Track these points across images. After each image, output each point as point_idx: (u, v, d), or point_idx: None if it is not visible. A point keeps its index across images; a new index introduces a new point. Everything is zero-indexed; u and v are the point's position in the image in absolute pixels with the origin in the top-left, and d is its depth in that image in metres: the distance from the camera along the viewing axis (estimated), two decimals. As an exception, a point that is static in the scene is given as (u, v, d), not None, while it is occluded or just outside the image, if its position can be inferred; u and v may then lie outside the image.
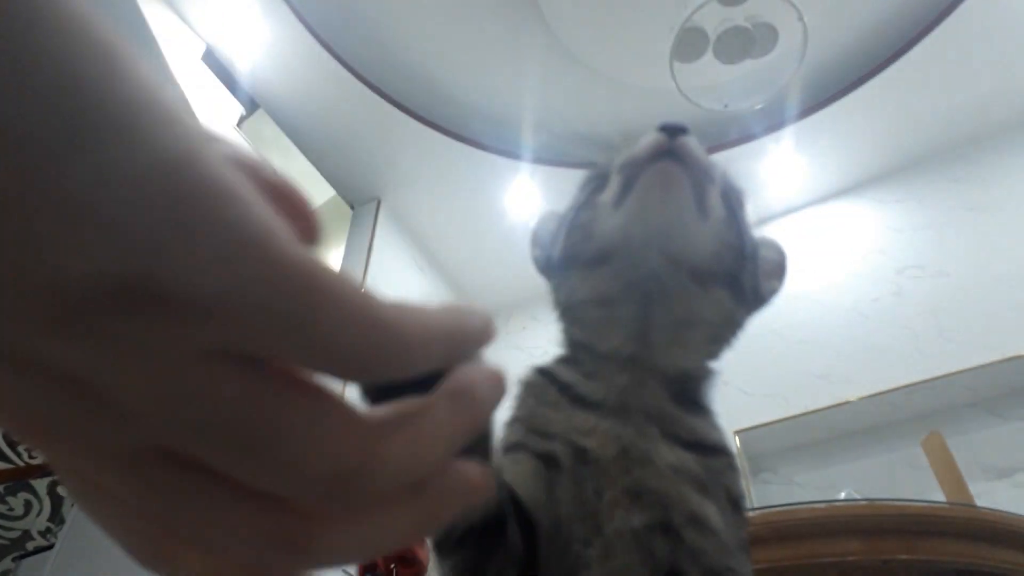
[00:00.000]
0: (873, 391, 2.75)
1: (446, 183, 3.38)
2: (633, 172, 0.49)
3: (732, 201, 0.53)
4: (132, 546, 0.20)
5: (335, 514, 0.18)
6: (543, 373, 0.53)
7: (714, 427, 0.50)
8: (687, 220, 0.48)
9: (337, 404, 0.17)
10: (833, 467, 2.81)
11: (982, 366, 2.62)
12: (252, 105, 3.19)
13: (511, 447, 0.48)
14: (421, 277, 3.59)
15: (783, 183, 3.40)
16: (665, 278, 0.49)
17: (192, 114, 0.18)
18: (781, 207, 3.48)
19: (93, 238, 0.14)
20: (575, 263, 0.53)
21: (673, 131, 0.50)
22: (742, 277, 0.51)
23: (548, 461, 0.45)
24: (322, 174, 3.39)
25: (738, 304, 0.52)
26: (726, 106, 2.77)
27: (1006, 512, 1.24)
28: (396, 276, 3.37)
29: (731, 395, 2.93)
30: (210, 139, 0.17)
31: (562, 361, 0.54)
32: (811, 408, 2.82)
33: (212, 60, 2.96)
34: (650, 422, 0.46)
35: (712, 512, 0.43)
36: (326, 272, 0.17)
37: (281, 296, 0.16)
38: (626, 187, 0.49)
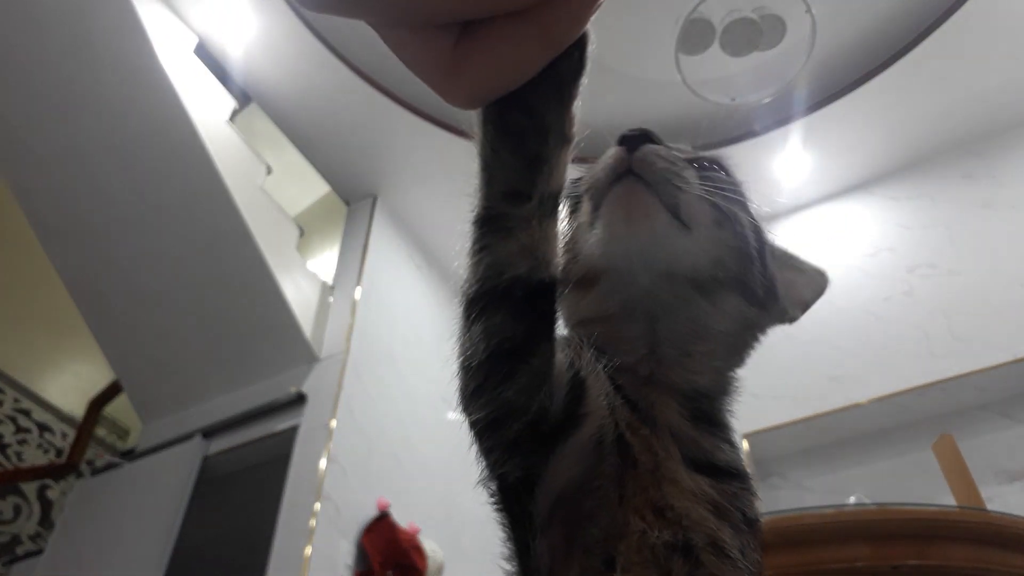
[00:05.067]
0: (883, 393, 2.73)
1: (444, 178, 3.34)
2: (598, 196, 0.49)
3: (724, 199, 0.50)
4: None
5: (481, 40, 0.27)
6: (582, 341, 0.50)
7: (731, 447, 0.49)
8: (666, 235, 0.47)
9: None
10: (843, 471, 2.79)
11: (994, 367, 2.60)
12: (245, 99, 3.18)
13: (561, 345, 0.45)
14: (418, 275, 3.56)
15: (791, 179, 3.38)
16: (662, 294, 0.48)
17: None
18: (790, 204, 3.46)
19: None
20: (568, 283, 0.50)
21: (632, 142, 0.48)
22: (750, 278, 0.50)
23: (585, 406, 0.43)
24: (317, 169, 3.36)
25: (753, 307, 0.51)
26: (733, 100, 2.73)
27: (1018, 516, 1.22)
28: (393, 274, 3.35)
29: (740, 398, 2.90)
30: None
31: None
32: (821, 411, 2.80)
33: (204, 53, 2.94)
34: (672, 441, 0.45)
35: (729, 537, 0.42)
36: None
37: None
38: (595, 211, 0.49)
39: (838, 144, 3.24)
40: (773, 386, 2.89)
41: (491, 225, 0.40)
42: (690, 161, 0.52)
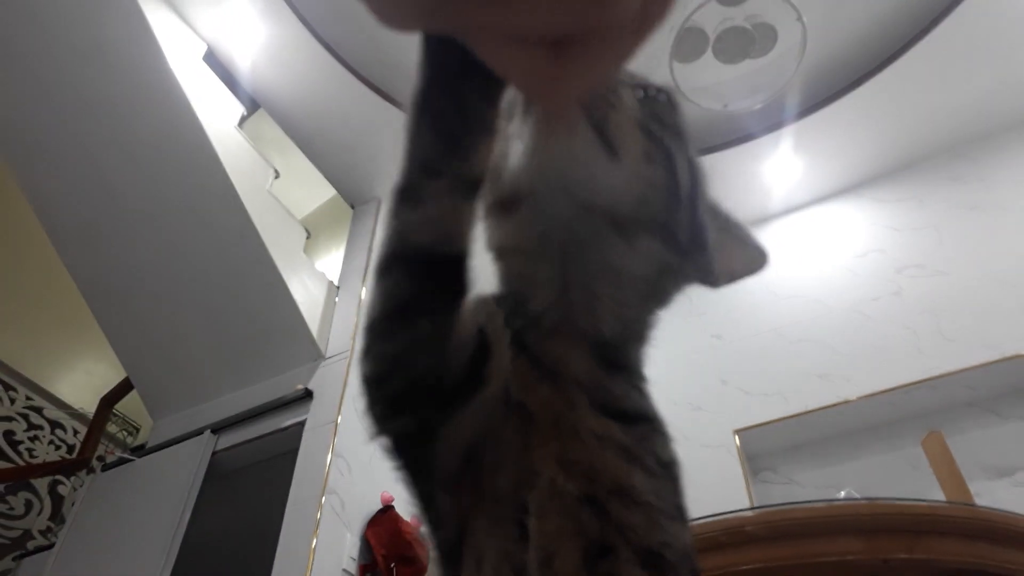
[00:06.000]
0: (873, 390, 2.75)
1: (446, 183, 3.38)
2: (523, 111, 0.43)
3: (660, 131, 0.45)
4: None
5: (579, 43, 0.26)
6: (497, 303, 0.48)
7: (640, 393, 0.46)
8: (588, 156, 0.42)
9: None
10: (833, 466, 2.80)
11: (982, 365, 2.62)
12: (253, 105, 3.21)
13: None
14: (421, 277, 3.58)
15: (783, 183, 3.40)
16: (578, 228, 0.43)
17: None
18: (781, 207, 3.48)
19: None
20: (490, 205, 0.47)
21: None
22: (675, 223, 0.45)
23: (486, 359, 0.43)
24: (323, 173, 3.40)
25: (674, 253, 0.46)
26: (725, 106, 2.77)
27: (1006, 511, 1.23)
28: (396, 276, 3.37)
29: (731, 394, 2.94)
30: None
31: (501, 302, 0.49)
32: (811, 407, 2.81)
33: (213, 61, 2.97)
34: (579, 390, 0.43)
35: (640, 481, 0.40)
36: None
37: None
38: (524, 121, 0.43)
39: (828, 148, 3.27)
40: (764, 384, 2.93)
41: (405, 195, 0.41)
42: (634, 85, 0.46)
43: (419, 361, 0.41)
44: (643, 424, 0.44)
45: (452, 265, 0.42)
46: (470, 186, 0.41)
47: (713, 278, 0.50)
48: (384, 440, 0.44)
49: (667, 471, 0.43)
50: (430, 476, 0.43)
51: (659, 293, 0.48)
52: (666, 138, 0.45)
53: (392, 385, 0.42)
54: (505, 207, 0.46)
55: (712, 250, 0.49)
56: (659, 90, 0.47)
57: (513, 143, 0.44)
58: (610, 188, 0.43)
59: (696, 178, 0.47)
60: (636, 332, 0.48)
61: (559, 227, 0.44)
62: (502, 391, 0.42)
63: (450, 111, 0.39)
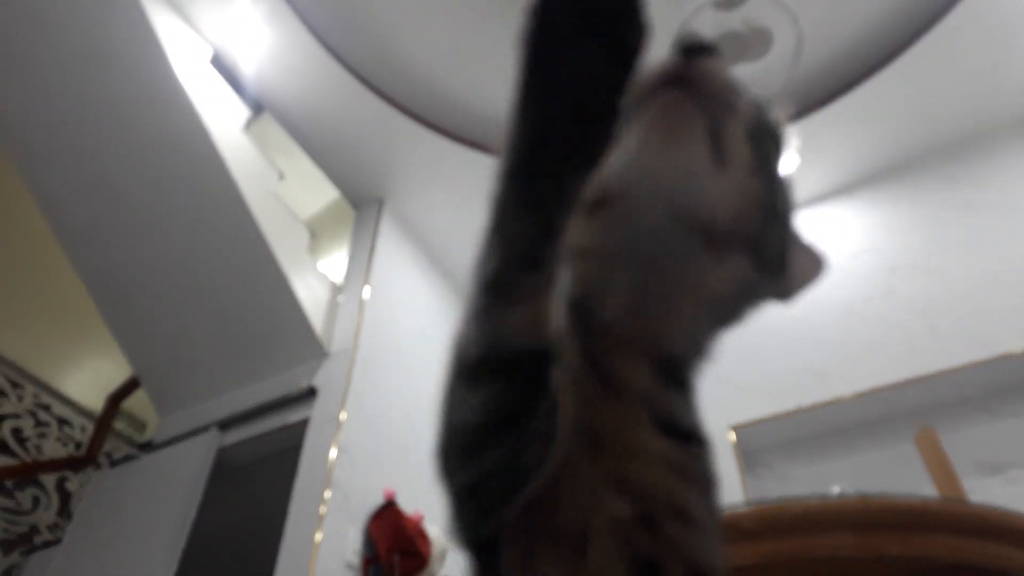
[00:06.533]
0: (866, 388, 2.76)
1: (449, 185, 3.40)
2: (638, 104, 0.40)
3: (765, 144, 0.42)
4: None
5: None
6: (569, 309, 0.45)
7: (695, 410, 0.44)
8: (697, 168, 0.39)
9: None
10: (827, 463, 2.83)
11: (974, 364, 2.64)
12: (258, 108, 3.23)
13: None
14: (424, 278, 3.61)
15: (778, 184, 3.42)
16: (668, 238, 0.40)
17: None
18: (776, 207, 3.49)
19: None
20: (580, 208, 0.44)
21: (691, 51, 0.39)
22: (767, 242, 0.42)
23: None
24: (326, 175, 3.42)
25: (759, 273, 0.43)
26: (722, 108, 2.80)
27: (999, 508, 1.22)
28: (399, 274, 3.39)
29: (726, 391, 2.95)
30: None
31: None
32: (805, 404, 2.83)
33: (219, 64, 3.00)
34: (641, 406, 0.40)
35: (694, 500, 0.39)
36: None
37: None
38: (630, 123, 0.40)
39: (823, 150, 3.28)
40: (759, 380, 2.94)
41: (500, 289, 0.38)
42: (743, 91, 0.44)
43: (521, 462, 0.38)
44: (697, 444, 0.42)
45: (551, 359, 0.38)
46: (557, 263, 0.37)
47: (787, 295, 0.48)
48: (465, 545, 0.40)
49: (714, 491, 0.42)
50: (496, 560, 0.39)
51: (734, 312, 0.46)
52: (770, 153, 0.43)
53: (495, 491, 0.38)
54: (590, 207, 0.41)
55: (792, 269, 0.46)
56: (763, 100, 0.45)
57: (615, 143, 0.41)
58: (711, 199, 0.39)
59: (789, 197, 0.45)
60: (702, 350, 0.45)
61: (647, 235, 0.40)
62: (565, 430, 0.39)
63: (552, 189, 0.35)
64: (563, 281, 0.43)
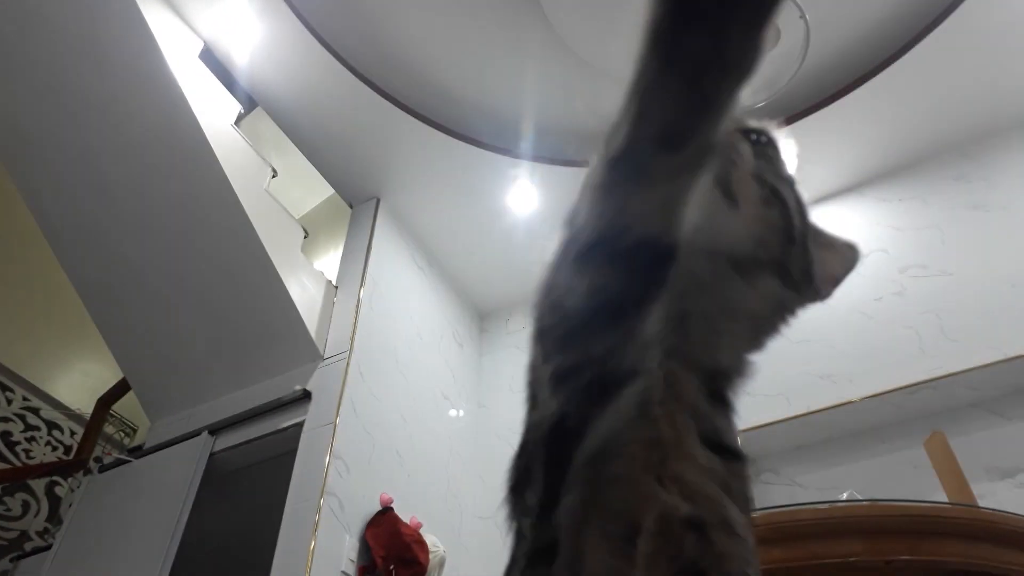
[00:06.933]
0: (875, 391, 2.74)
1: (446, 181, 3.38)
2: None
3: (773, 177, 0.48)
4: None
5: None
6: None
7: (735, 430, 0.47)
8: (713, 213, 0.43)
9: None
10: (835, 467, 2.80)
11: (985, 366, 2.61)
12: (250, 103, 3.20)
13: None
14: (420, 276, 3.58)
15: (785, 182, 3.39)
16: (699, 270, 0.44)
17: None
18: (783, 206, 3.47)
19: None
20: None
21: None
22: (790, 260, 0.47)
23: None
24: (321, 172, 3.39)
25: (788, 289, 0.48)
26: (728, 104, 2.75)
27: (1008, 512, 1.23)
28: (395, 275, 3.37)
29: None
30: None
31: None
32: (813, 408, 2.81)
33: (210, 58, 2.96)
34: (691, 418, 0.43)
35: (736, 515, 0.41)
36: None
37: None
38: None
39: (831, 147, 3.25)
40: (767, 384, 2.91)
41: (629, 166, 0.36)
42: (744, 132, 0.49)
43: (616, 356, 0.38)
44: (738, 462, 0.44)
45: (673, 256, 0.37)
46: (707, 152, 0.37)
47: (822, 296, 0.52)
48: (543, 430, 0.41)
49: (751, 510, 0.44)
50: (565, 475, 0.40)
51: (771, 328, 0.49)
52: (777, 182, 0.47)
53: (586, 377, 0.39)
54: None
55: (819, 277, 0.50)
56: (761, 133, 0.50)
57: None
58: (730, 233, 0.44)
59: (804, 214, 0.49)
60: (743, 367, 0.48)
61: (677, 269, 0.42)
62: (642, 395, 0.40)
63: (708, 49, 0.34)
64: None
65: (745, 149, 0.47)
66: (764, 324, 0.49)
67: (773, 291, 0.47)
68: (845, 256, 0.55)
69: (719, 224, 0.43)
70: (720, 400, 0.46)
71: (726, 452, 0.43)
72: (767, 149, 0.49)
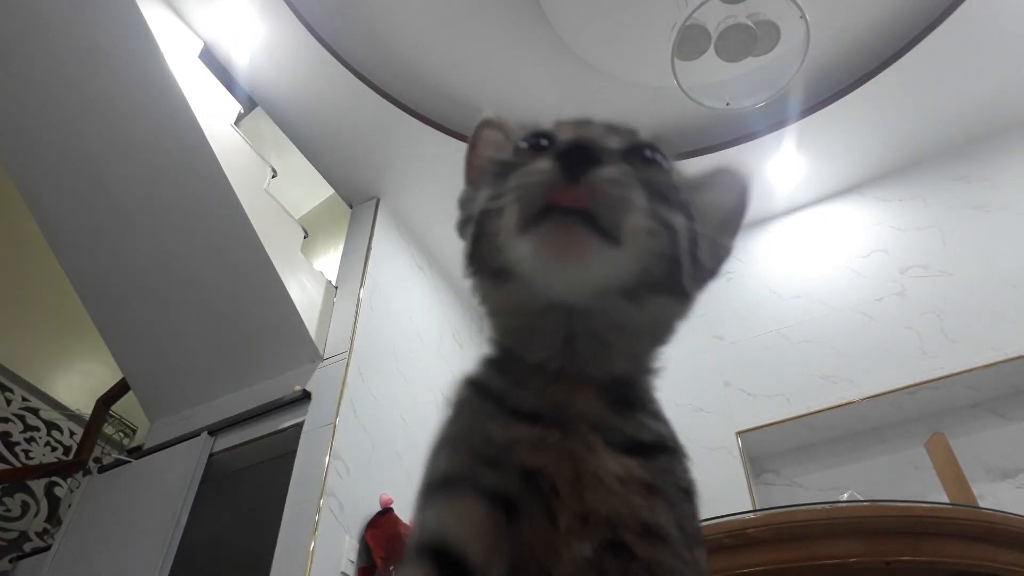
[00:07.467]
0: (876, 392, 2.74)
1: (446, 182, 3.35)
2: (526, 211, 0.41)
3: (659, 203, 0.44)
4: None
5: None
6: (474, 384, 0.48)
7: (655, 421, 0.46)
8: (595, 258, 0.41)
9: None
10: (836, 468, 2.80)
11: (986, 366, 2.62)
12: (250, 103, 3.19)
13: (451, 481, 0.43)
14: (420, 276, 3.58)
15: (785, 182, 3.39)
16: (584, 302, 0.43)
17: None
18: (783, 206, 3.47)
19: None
20: (484, 268, 0.46)
21: (576, 168, 0.40)
22: (679, 278, 0.45)
23: (502, 502, 0.41)
24: (321, 172, 3.39)
25: (682, 302, 0.47)
26: (728, 104, 2.75)
27: (1009, 513, 1.23)
28: (395, 274, 3.36)
29: (733, 396, 2.93)
30: None
31: (491, 364, 0.49)
32: (813, 409, 2.81)
33: (210, 58, 2.96)
34: (592, 432, 0.43)
35: (664, 516, 0.41)
36: None
37: None
38: (522, 224, 0.41)
39: (832, 147, 3.25)
40: (767, 385, 2.92)
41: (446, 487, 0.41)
42: (627, 152, 0.46)
43: None
44: (664, 455, 0.44)
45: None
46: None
47: (725, 251, 0.50)
48: None
49: (688, 498, 0.44)
50: None
51: (670, 332, 0.49)
52: (662, 209, 0.43)
53: None
54: (501, 276, 0.44)
55: (714, 265, 0.49)
56: (648, 147, 0.46)
57: (506, 227, 0.42)
58: (613, 274, 0.42)
59: (691, 223, 0.46)
60: (644, 369, 0.49)
61: (561, 302, 0.44)
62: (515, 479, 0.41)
63: None
64: (490, 334, 0.49)
65: (638, 195, 0.43)
66: (660, 331, 0.48)
67: (662, 306, 0.46)
68: (726, 186, 0.51)
69: (602, 265, 0.42)
70: (626, 403, 0.46)
71: (647, 450, 0.43)
72: (655, 171, 0.46)
